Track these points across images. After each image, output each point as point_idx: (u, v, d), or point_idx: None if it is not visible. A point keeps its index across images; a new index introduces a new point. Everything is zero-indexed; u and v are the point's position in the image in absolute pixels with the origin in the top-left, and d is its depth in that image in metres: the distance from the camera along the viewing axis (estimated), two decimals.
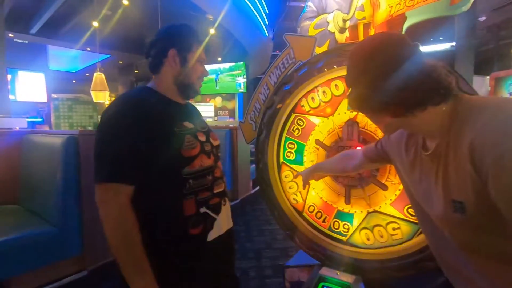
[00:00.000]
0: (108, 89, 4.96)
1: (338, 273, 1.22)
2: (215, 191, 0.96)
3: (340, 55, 1.27)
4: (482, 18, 7.02)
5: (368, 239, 1.31)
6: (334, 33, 1.50)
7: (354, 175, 1.28)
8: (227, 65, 7.12)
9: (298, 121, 1.46)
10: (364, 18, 1.41)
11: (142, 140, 0.82)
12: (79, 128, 5.31)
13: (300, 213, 1.47)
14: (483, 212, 0.57)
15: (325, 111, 1.38)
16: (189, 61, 0.97)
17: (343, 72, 1.29)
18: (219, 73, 7.24)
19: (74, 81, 12.47)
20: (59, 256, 1.90)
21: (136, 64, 10.67)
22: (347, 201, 1.32)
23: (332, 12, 1.50)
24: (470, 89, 1.03)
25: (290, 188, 1.50)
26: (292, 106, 1.45)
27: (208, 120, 9.55)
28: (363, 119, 1.28)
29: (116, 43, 8.62)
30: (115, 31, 7.13)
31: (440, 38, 5.30)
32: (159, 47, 0.96)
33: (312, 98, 1.41)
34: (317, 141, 1.39)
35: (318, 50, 1.54)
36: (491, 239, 0.59)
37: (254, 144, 1.63)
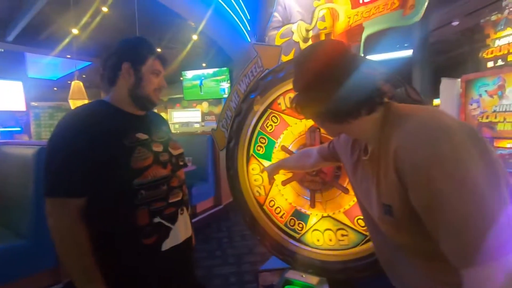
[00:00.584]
0: (87, 98, 4.89)
1: (304, 276, 1.26)
2: (170, 201, 0.98)
3: None
4: (455, 23, 7.31)
5: (318, 240, 1.40)
6: (298, 42, 1.56)
7: (318, 179, 1.33)
8: (210, 71, 7.15)
9: (273, 118, 1.49)
10: (325, 28, 1.47)
11: (88, 153, 0.84)
12: None
13: (261, 205, 1.54)
14: (407, 216, 0.60)
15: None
16: (143, 74, 0.98)
17: None
18: (203, 78, 7.26)
19: (55, 88, 12.18)
20: (34, 269, 1.87)
21: None
22: (312, 205, 1.36)
23: (296, 22, 1.56)
24: (418, 97, 1.09)
25: (255, 180, 1.55)
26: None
27: (196, 125, 9.52)
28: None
29: (97, 50, 8.51)
30: (96, 38, 7.05)
31: (405, 44, 5.51)
32: (113, 60, 0.98)
33: (290, 97, 1.43)
34: (283, 147, 1.43)
35: (285, 58, 1.59)
36: (416, 239, 0.62)
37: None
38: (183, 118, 10.04)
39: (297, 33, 1.55)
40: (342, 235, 1.34)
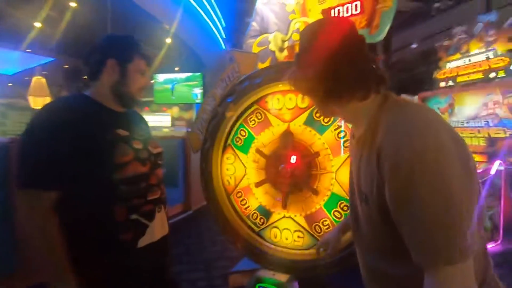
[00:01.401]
0: (49, 95, 4.61)
1: (274, 274, 1.31)
2: (148, 198, 0.98)
3: (277, 72, 1.40)
4: (414, 45, 8.03)
5: (275, 237, 1.50)
6: (274, 51, 1.64)
7: (290, 182, 1.39)
8: (183, 75, 7.06)
9: (258, 114, 1.53)
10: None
11: (66, 147, 0.82)
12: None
13: (228, 194, 1.60)
14: (381, 208, 0.59)
15: (283, 116, 1.47)
16: (128, 72, 0.99)
17: (282, 87, 1.42)
18: (175, 83, 7.13)
19: (10, 84, 11.24)
20: None
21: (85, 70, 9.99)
22: (284, 206, 1.42)
23: (273, 32, 1.65)
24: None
25: (227, 169, 1.60)
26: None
27: (165, 130, 9.26)
28: (298, 131, 1.41)
29: (63, 47, 8.06)
30: (62, 34, 6.68)
31: None
32: (98, 55, 0.98)
33: (278, 99, 1.48)
34: (257, 150, 1.49)
35: (261, 66, 1.67)
36: (386, 233, 0.61)
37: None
38: (152, 122, 9.70)
39: (273, 42, 1.64)
40: (298, 237, 1.44)
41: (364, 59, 0.65)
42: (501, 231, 3.28)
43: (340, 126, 1.33)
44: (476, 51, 3.92)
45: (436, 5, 6.34)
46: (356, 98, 0.65)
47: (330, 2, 1.49)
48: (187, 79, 7.06)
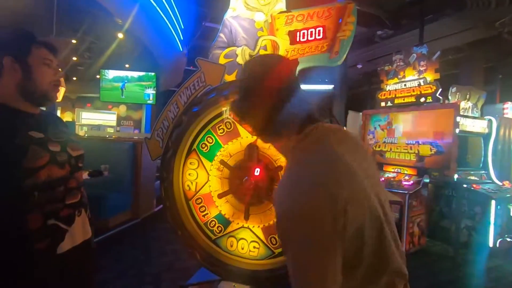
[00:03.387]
0: None
1: (235, 285, 1.32)
2: (67, 202, 0.94)
3: None
4: (359, 66, 8.83)
5: (231, 246, 1.52)
6: (241, 65, 1.68)
7: (253, 193, 1.42)
8: (135, 74, 6.69)
9: (227, 123, 1.52)
10: None
11: None
12: None
13: (187, 200, 1.57)
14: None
15: None
16: (31, 66, 0.91)
17: None
18: (126, 81, 6.71)
19: None
20: None
21: None
22: (246, 218, 1.45)
23: (241, 46, 1.68)
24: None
25: (189, 175, 1.57)
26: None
27: (109, 130, 8.58)
28: (264, 145, 1.46)
29: None
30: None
31: (326, 80, 6.48)
32: None
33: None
34: (221, 161, 1.49)
35: (227, 78, 1.68)
36: None
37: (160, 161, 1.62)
38: (94, 120, 8.95)
39: (241, 56, 1.67)
40: (254, 247, 1.48)
41: (295, 102, 0.68)
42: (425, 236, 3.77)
43: None
44: (411, 77, 4.49)
45: (379, 32, 7.09)
46: (283, 137, 0.70)
47: (296, 25, 1.59)
48: (140, 79, 6.70)
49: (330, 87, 6.59)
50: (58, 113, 8.33)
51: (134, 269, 2.83)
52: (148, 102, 6.90)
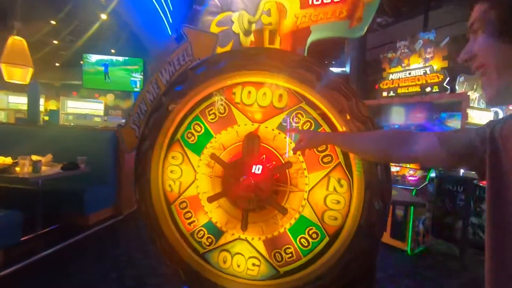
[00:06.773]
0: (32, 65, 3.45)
1: None
2: None
3: (245, 58, 1.10)
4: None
5: (224, 262, 1.22)
6: (238, 34, 1.34)
7: (253, 197, 1.12)
8: (120, 58, 6.23)
9: (221, 106, 1.20)
10: (270, 23, 1.31)
11: None
12: None
13: (169, 204, 1.27)
14: None
15: (254, 114, 1.17)
16: None
17: (252, 77, 1.13)
18: (108, 64, 6.24)
19: None
20: None
21: None
22: (244, 227, 1.14)
23: (238, 11, 1.34)
24: (367, 113, 1.01)
25: (171, 172, 1.25)
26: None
27: (97, 119, 8.16)
28: (268, 136, 1.14)
29: None
30: None
31: (333, 62, 6.15)
32: None
33: (249, 92, 1.17)
34: (212, 155, 1.17)
35: (220, 51, 1.35)
36: None
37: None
38: (80, 109, 8.60)
39: (237, 23, 1.34)
40: (253, 264, 1.18)
41: None
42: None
43: None
44: (416, 65, 4.21)
45: (378, 20, 6.77)
46: None
47: None
48: (126, 63, 6.26)
49: (341, 70, 6.17)
50: (42, 101, 7.89)
51: (115, 272, 2.53)
52: (136, 89, 6.48)
